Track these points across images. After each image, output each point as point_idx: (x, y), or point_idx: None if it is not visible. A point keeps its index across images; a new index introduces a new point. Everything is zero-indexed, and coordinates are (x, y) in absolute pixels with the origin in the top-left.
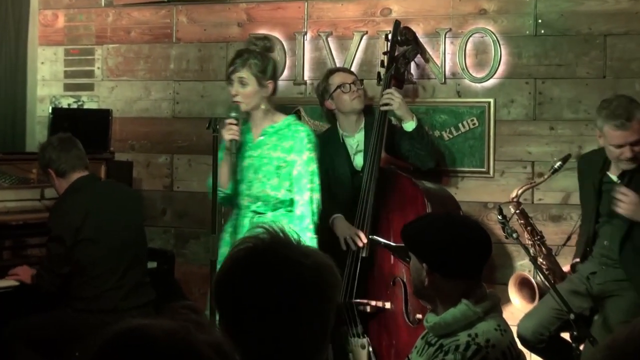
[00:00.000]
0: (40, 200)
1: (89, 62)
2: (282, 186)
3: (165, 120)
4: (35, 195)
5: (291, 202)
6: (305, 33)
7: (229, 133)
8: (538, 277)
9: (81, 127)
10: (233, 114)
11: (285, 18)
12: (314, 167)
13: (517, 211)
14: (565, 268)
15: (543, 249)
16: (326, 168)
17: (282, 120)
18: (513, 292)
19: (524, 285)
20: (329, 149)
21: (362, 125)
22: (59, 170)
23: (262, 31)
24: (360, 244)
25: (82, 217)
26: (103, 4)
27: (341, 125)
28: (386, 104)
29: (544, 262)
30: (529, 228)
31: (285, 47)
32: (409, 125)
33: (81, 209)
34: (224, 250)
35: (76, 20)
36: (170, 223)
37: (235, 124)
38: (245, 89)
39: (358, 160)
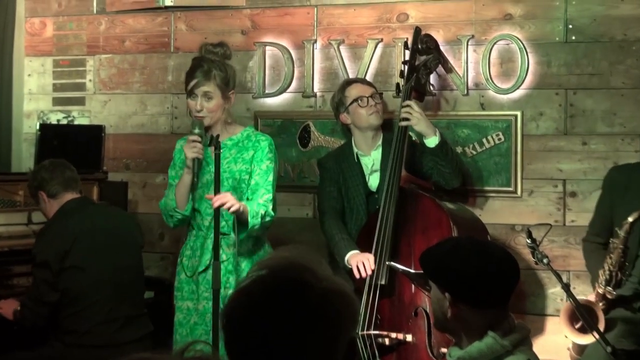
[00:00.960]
0: (27, 225)
1: (79, 74)
2: (244, 197)
3: (162, 137)
4: (21, 219)
5: None
6: (315, 41)
7: (193, 151)
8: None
9: (71, 145)
10: (196, 131)
11: (293, 25)
12: (273, 178)
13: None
14: (591, 297)
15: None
16: (339, 189)
17: (241, 131)
18: (565, 322)
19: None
20: (342, 168)
21: (379, 142)
22: (50, 192)
23: (268, 39)
24: (369, 270)
25: (70, 242)
26: (95, 11)
27: (356, 142)
28: (405, 119)
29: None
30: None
31: (293, 56)
32: (432, 141)
33: (70, 233)
34: (183, 277)
35: (66, 28)
36: (169, 249)
37: (199, 141)
38: (210, 103)
39: (373, 181)
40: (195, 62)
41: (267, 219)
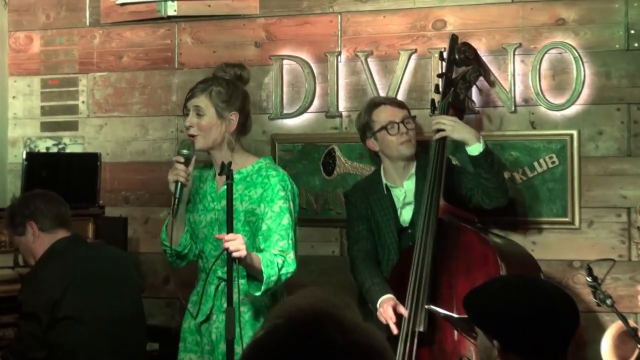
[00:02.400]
0: (13, 268)
1: (71, 94)
2: (254, 246)
3: (166, 166)
4: (6, 262)
5: None
6: (339, 53)
7: (173, 174)
8: None
9: (63, 176)
10: (184, 151)
11: (313, 35)
12: (288, 220)
13: None
14: None
15: None
16: (369, 227)
17: (253, 163)
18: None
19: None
20: (370, 201)
21: (412, 170)
22: (44, 224)
23: (286, 51)
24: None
25: (61, 289)
26: (88, 22)
27: (386, 171)
28: (438, 131)
29: None
30: None
31: (315, 71)
32: (475, 149)
33: (60, 279)
34: (187, 326)
35: (55, 43)
36: (175, 294)
37: (183, 163)
38: (202, 119)
39: (406, 215)
40: (202, 80)
41: (285, 270)
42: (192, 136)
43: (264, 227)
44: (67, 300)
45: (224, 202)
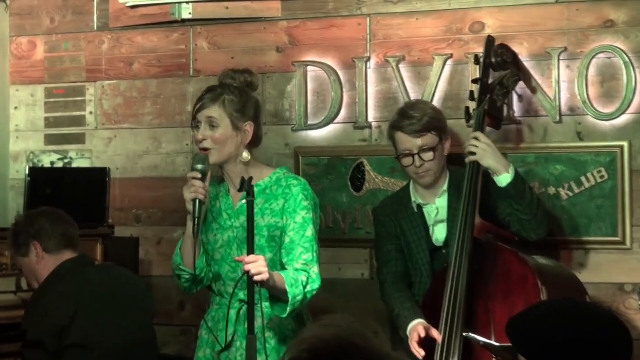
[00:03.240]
0: (15, 293)
1: (77, 105)
2: (279, 263)
3: (181, 181)
4: (8, 286)
5: None
6: (368, 59)
7: (191, 191)
8: None
9: (69, 193)
10: (198, 166)
11: (340, 39)
12: (312, 232)
13: None
14: None
15: None
16: (399, 247)
17: (270, 174)
18: None
19: None
20: (399, 218)
21: (445, 186)
22: (49, 245)
23: (311, 57)
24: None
25: (69, 315)
26: (96, 27)
27: (416, 188)
28: (471, 153)
29: None
30: None
31: (342, 78)
32: (503, 179)
33: (68, 303)
34: (202, 355)
35: (60, 49)
36: (191, 320)
37: (200, 179)
38: (216, 132)
39: (439, 234)
40: (208, 87)
41: (310, 287)
42: (205, 150)
43: (287, 240)
44: (76, 327)
45: (242, 219)
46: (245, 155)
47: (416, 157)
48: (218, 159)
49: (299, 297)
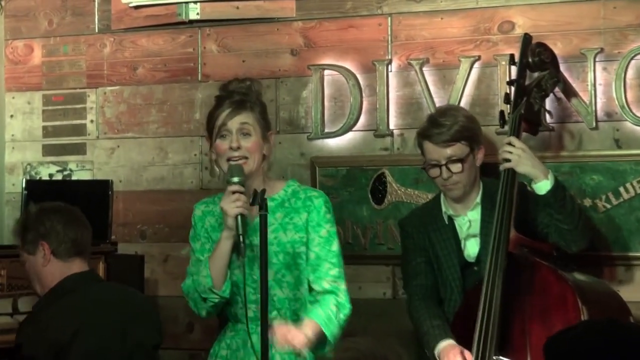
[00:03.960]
0: (12, 316)
1: (78, 113)
2: (305, 282)
3: (189, 194)
4: (5, 308)
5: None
6: (390, 61)
7: (236, 205)
8: None
9: None
10: (235, 179)
11: (359, 41)
12: (337, 245)
13: None
14: None
15: None
16: (428, 260)
17: (284, 187)
18: None
19: None
20: (429, 231)
21: (477, 199)
22: (59, 250)
23: (327, 60)
24: None
25: (69, 334)
26: (97, 29)
27: (446, 199)
28: (505, 160)
29: None
30: None
31: (361, 82)
32: (542, 186)
33: (70, 320)
34: None
35: (59, 53)
36: (200, 344)
37: (243, 192)
38: (249, 140)
39: (471, 248)
40: (221, 96)
41: (342, 315)
42: (238, 159)
43: (312, 256)
44: (75, 347)
45: None
46: (266, 167)
47: (443, 168)
48: (250, 171)
49: (336, 332)
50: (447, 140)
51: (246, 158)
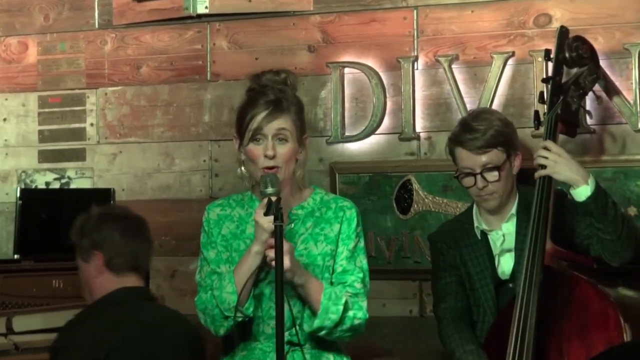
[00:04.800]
0: (6, 336)
1: (76, 115)
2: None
3: (198, 204)
4: None
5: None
6: (416, 58)
7: (271, 221)
8: None
9: (67, 218)
10: (269, 190)
11: (382, 36)
12: (364, 261)
13: None
14: None
15: None
16: (459, 279)
17: (311, 195)
18: None
19: None
20: (460, 247)
21: (513, 210)
22: (115, 263)
23: (348, 57)
24: None
25: (107, 349)
26: (97, 24)
27: (480, 212)
28: (541, 166)
29: None
30: None
31: (385, 81)
32: (581, 192)
33: (108, 337)
34: None
35: (56, 51)
36: None
37: (272, 202)
38: (285, 147)
39: (505, 265)
40: (254, 92)
41: (353, 313)
42: (272, 168)
43: (339, 269)
44: None
45: (286, 246)
46: (300, 173)
47: (478, 177)
48: (283, 179)
49: (334, 316)
50: (482, 147)
51: (279, 167)
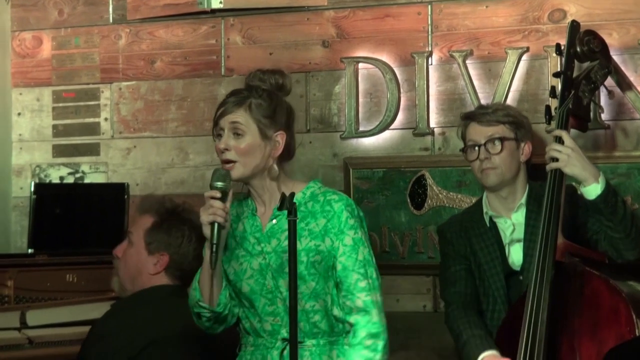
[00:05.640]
0: (19, 330)
1: (90, 110)
2: (326, 291)
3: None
4: (11, 322)
5: (342, 320)
6: (430, 54)
7: (209, 213)
8: None
9: (81, 213)
10: (218, 184)
11: (397, 31)
12: (365, 253)
13: None
14: None
15: None
16: (468, 268)
17: (303, 189)
18: None
19: None
20: (470, 236)
21: (522, 200)
22: (172, 271)
23: (362, 53)
24: None
25: (141, 344)
26: (111, 19)
27: (489, 199)
28: (553, 159)
29: None
30: None
31: (399, 76)
32: (591, 191)
33: (145, 331)
34: None
35: (70, 46)
36: None
37: (219, 198)
38: (241, 141)
39: (515, 255)
40: (233, 91)
41: (381, 346)
42: (228, 162)
43: (339, 267)
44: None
45: (274, 242)
46: (275, 170)
47: (482, 148)
48: (242, 174)
49: None
50: (491, 120)
51: (235, 161)
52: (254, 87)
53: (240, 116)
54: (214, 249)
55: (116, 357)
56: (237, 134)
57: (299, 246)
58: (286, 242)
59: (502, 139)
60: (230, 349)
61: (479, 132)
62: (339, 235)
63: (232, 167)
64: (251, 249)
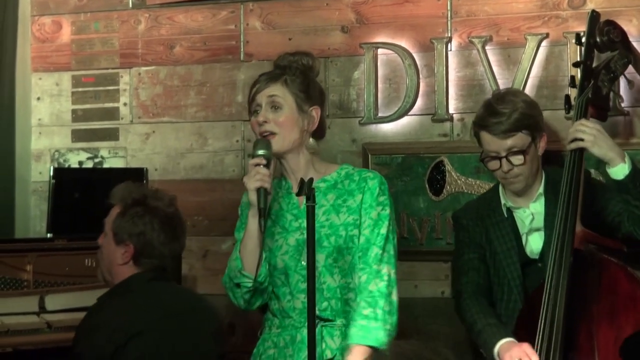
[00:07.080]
0: (38, 315)
1: (110, 95)
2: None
3: (230, 184)
4: (30, 307)
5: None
6: (449, 39)
7: (256, 179)
8: None
9: (99, 198)
10: (260, 152)
11: (416, 17)
12: (387, 229)
13: None
14: None
15: None
16: (482, 256)
17: (337, 170)
18: None
19: None
20: (486, 224)
21: (540, 189)
22: (141, 260)
23: (381, 38)
24: None
25: (127, 335)
26: (131, 4)
27: (505, 190)
28: (576, 139)
29: None
30: None
31: (418, 62)
32: (619, 171)
33: (131, 321)
34: None
35: (90, 30)
36: (242, 347)
37: (265, 165)
38: (280, 113)
39: (534, 243)
40: (262, 73)
41: (389, 325)
42: (267, 134)
43: (362, 239)
44: (129, 353)
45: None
46: (312, 143)
47: (504, 160)
48: (282, 147)
49: (382, 335)
50: (507, 131)
51: (275, 133)
52: (286, 66)
53: (277, 89)
54: (262, 214)
55: (95, 354)
56: (275, 107)
57: (337, 221)
58: (324, 217)
59: (523, 151)
60: (215, 335)
61: (497, 145)
62: (368, 209)
63: (272, 138)
64: (288, 226)
